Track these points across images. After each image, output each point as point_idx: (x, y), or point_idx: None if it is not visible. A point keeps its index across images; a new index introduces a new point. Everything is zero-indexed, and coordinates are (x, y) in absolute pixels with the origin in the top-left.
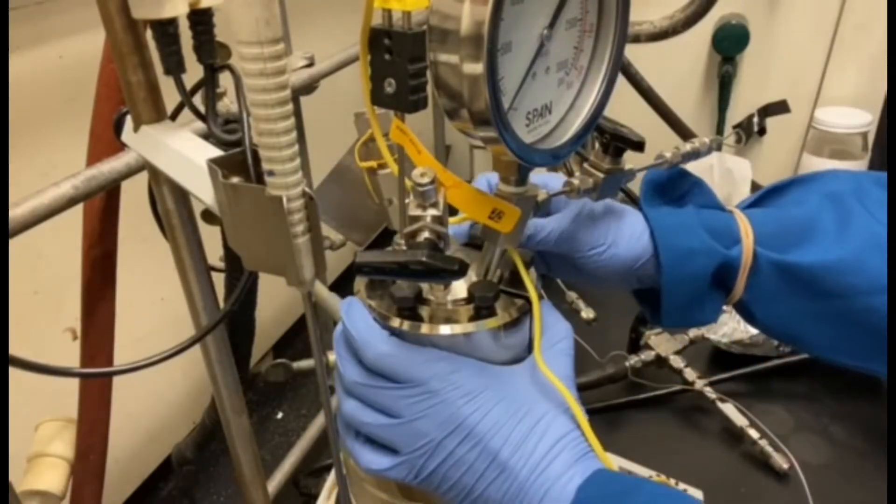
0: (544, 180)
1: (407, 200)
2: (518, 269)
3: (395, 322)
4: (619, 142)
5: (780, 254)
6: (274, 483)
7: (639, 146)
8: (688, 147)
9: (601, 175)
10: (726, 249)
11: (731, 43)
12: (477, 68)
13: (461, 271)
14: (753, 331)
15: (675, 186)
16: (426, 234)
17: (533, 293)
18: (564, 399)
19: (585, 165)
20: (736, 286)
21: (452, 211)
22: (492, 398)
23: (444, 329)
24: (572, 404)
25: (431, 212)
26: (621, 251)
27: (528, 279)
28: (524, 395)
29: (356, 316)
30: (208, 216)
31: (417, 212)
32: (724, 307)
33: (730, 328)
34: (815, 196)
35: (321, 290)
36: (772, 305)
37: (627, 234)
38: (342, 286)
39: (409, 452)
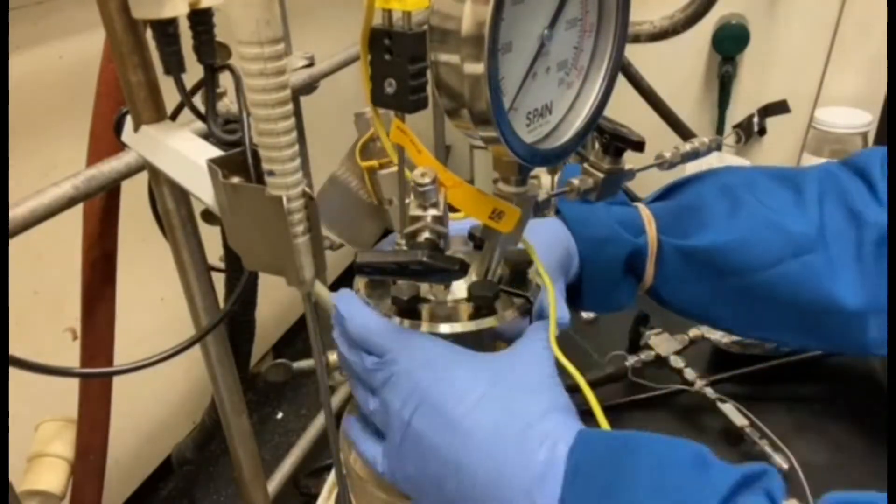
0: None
1: (407, 200)
2: (519, 268)
3: (395, 321)
4: (619, 142)
5: (680, 239)
6: (274, 483)
7: (639, 146)
8: (687, 147)
9: (601, 175)
10: (634, 238)
11: (731, 43)
12: (478, 68)
13: (462, 271)
14: None
15: None
16: (426, 234)
17: (547, 280)
18: (552, 390)
19: (585, 165)
20: (646, 273)
21: (452, 210)
22: (459, 369)
23: (444, 328)
24: (584, 387)
25: (432, 212)
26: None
27: (542, 267)
28: (497, 370)
29: (345, 295)
30: (208, 216)
31: (418, 212)
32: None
33: None
34: (709, 188)
35: (321, 290)
36: (679, 288)
37: (549, 233)
38: (342, 286)
39: (389, 437)
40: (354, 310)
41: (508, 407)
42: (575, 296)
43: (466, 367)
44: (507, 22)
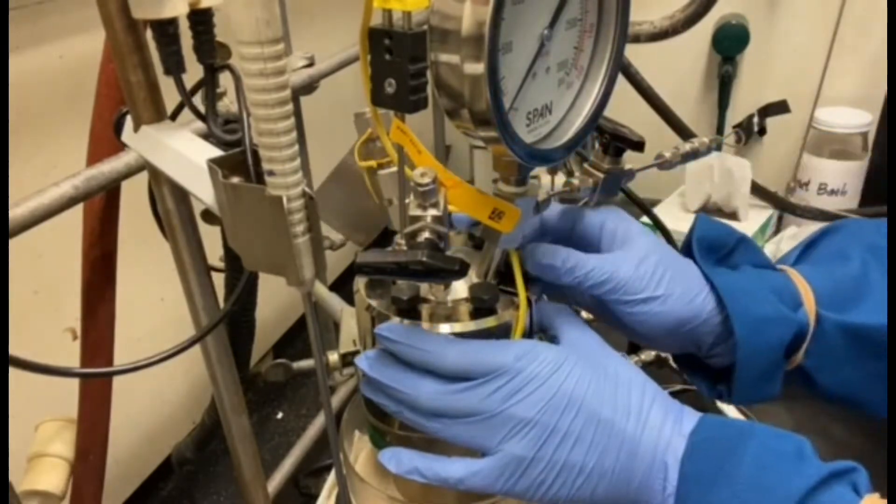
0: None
1: (407, 200)
2: (514, 271)
3: (396, 321)
4: (619, 142)
5: (842, 314)
6: (274, 483)
7: (639, 146)
8: (687, 147)
9: (601, 175)
10: (794, 314)
11: (731, 43)
12: (478, 68)
13: (462, 271)
14: None
15: (722, 242)
16: (427, 234)
17: (522, 296)
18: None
19: (585, 165)
20: (798, 353)
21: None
22: (573, 362)
23: (444, 327)
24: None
25: (432, 212)
26: (677, 307)
27: (521, 281)
28: (596, 353)
29: (409, 333)
30: (208, 216)
31: (418, 212)
32: None
33: None
34: (855, 248)
35: (321, 290)
36: (836, 369)
37: (684, 288)
38: (342, 286)
39: (504, 443)
40: (441, 345)
41: (621, 395)
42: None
43: (574, 359)
44: (507, 22)
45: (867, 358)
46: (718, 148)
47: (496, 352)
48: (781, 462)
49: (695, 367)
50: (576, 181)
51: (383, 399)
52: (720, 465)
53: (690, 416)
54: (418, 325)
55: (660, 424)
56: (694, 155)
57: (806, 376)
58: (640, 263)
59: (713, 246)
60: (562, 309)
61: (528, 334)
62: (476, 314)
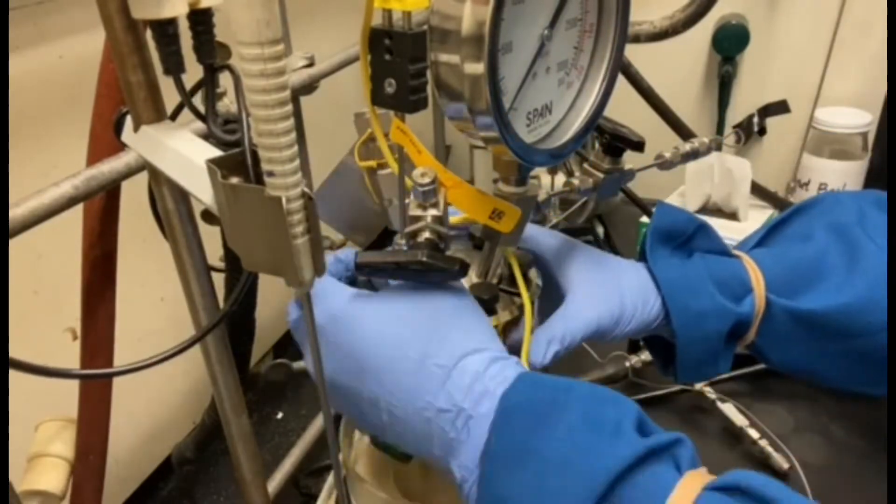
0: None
1: (407, 201)
2: (521, 269)
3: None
4: (618, 142)
5: (793, 300)
6: (274, 483)
7: (639, 146)
8: (687, 147)
9: (601, 175)
10: (738, 304)
11: (731, 43)
12: (478, 68)
13: (461, 271)
14: None
15: (680, 230)
16: (427, 234)
17: (526, 297)
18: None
19: (585, 165)
20: (748, 334)
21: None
22: (390, 295)
23: None
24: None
25: (432, 212)
26: (639, 323)
27: (522, 282)
28: (428, 305)
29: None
30: (208, 216)
31: (418, 212)
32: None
33: None
34: (819, 229)
35: None
36: (785, 348)
37: (643, 301)
38: None
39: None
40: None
41: (433, 344)
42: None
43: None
44: (507, 22)
45: (818, 340)
46: (718, 148)
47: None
48: (595, 437)
49: (655, 345)
50: (576, 181)
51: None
52: (527, 439)
53: (513, 370)
54: None
55: (472, 378)
56: (694, 155)
57: (758, 352)
58: (603, 305)
59: (671, 234)
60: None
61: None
62: None
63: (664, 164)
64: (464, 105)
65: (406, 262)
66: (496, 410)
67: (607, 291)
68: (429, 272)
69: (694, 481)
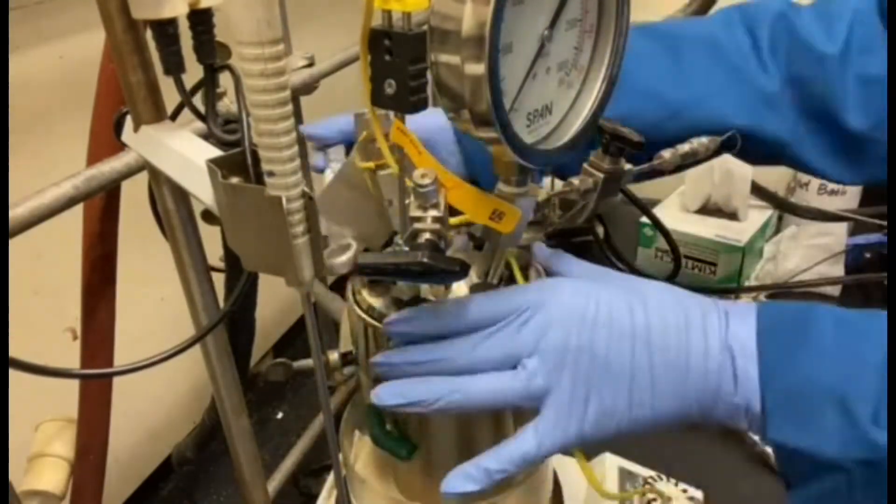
0: None
1: (407, 201)
2: (515, 269)
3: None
4: (618, 142)
5: None
6: (274, 483)
7: (638, 146)
8: (686, 147)
9: (601, 175)
10: None
11: None
12: (479, 69)
13: (462, 272)
14: None
15: None
16: (427, 235)
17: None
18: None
19: (585, 165)
20: None
21: (454, 211)
22: (591, 285)
23: None
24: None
25: (432, 213)
26: None
27: (522, 281)
28: (608, 275)
29: (418, 312)
30: (208, 216)
31: (418, 213)
32: None
33: None
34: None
35: (321, 290)
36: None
37: None
38: (342, 287)
39: (551, 382)
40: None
41: (679, 303)
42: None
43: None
44: (507, 22)
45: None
46: (718, 150)
47: (515, 291)
48: (858, 317)
49: None
50: (576, 181)
51: (412, 391)
52: (798, 333)
53: (742, 310)
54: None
55: (701, 321)
56: (692, 155)
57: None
58: None
59: None
60: (557, 251)
61: None
62: None
63: (664, 164)
64: (464, 106)
65: (407, 264)
66: (756, 325)
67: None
68: (430, 273)
69: None
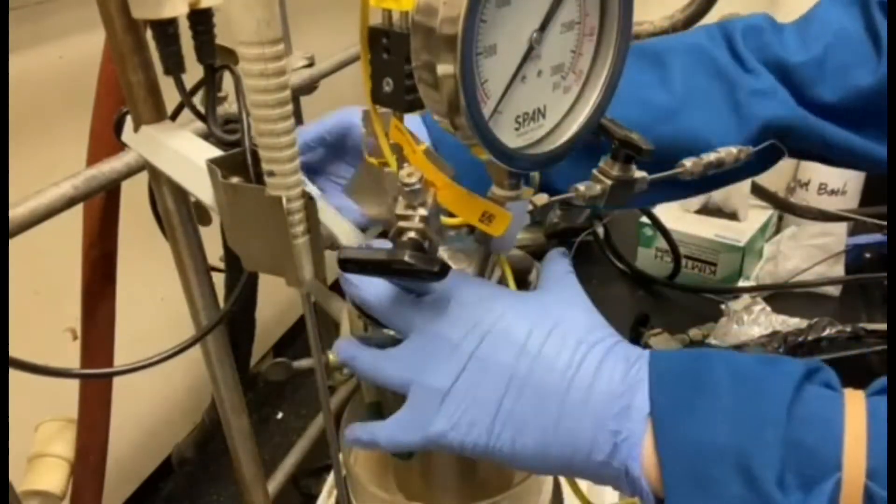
0: None
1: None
2: (520, 272)
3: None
4: (627, 148)
5: None
6: (274, 483)
7: (647, 153)
8: (712, 157)
9: (609, 182)
10: None
11: None
12: (451, 69)
13: (441, 273)
14: (753, 333)
15: None
16: (411, 234)
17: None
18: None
19: (594, 171)
20: None
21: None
22: (504, 296)
23: None
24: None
25: (419, 211)
26: None
27: (513, 285)
28: (533, 302)
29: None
30: (199, 215)
31: (405, 211)
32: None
33: (728, 329)
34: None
35: (321, 289)
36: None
37: None
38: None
39: (424, 370)
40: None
41: (573, 334)
42: None
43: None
44: (490, 24)
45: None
46: (748, 159)
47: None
48: (755, 369)
49: None
50: (582, 187)
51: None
52: (695, 386)
53: (640, 359)
54: None
55: (594, 369)
56: (718, 165)
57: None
58: None
59: None
60: (552, 257)
61: None
62: None
63: (684, 175)
64: (440, 105)
65: (388, 261)
66: (649, 377)
67: None
68: (409, 272)
69: (853, 392)
